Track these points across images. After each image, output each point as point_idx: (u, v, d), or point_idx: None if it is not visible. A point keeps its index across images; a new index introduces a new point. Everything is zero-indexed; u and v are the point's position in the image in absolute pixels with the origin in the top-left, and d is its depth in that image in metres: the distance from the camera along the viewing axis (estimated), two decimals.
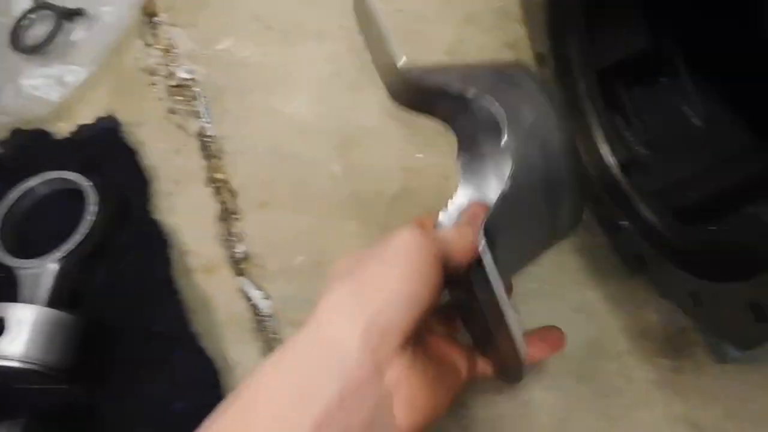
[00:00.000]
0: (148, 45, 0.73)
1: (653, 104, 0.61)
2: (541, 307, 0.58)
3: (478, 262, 0.38)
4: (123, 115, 0.69)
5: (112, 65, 0.72)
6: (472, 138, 0.45)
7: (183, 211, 0.65)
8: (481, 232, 0.37)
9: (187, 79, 0.71)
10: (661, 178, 0.58)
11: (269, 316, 0.62)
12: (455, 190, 0.45)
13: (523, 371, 0.38)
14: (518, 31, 0.67)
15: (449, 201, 0.44)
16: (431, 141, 0.66)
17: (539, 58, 0.58)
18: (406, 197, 0.64)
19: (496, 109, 0.40)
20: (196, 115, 0.70)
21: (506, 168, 0.40)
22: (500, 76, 0.43)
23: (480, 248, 0.36)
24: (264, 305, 0.62)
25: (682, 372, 0.57)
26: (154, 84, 0.71)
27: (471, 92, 0.41)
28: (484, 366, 0.47)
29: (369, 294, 0.38)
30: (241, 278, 0.63)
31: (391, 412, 0.37)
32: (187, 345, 0.59)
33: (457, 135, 0.45)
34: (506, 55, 0.68)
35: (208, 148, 0.68)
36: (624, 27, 0.57)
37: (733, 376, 0.56)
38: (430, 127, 0.67)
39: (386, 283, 0.38)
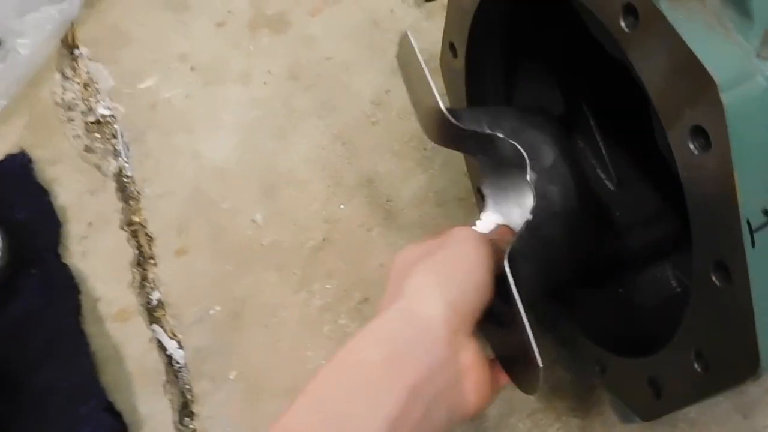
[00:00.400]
0: (66, 78, 0.70)
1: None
2: None
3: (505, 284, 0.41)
4: (36, 152, 0.66)
5: (27, 98, 0.69)
6: (497, 171, 0.51)
7: (96, 255, 0.63)
8: (506, 255, 0.40)
9: (106, 116, 0.69)
10: None
11: (183, 367, 0.60)
12: (480, 216, 0.51)
13: (540, 379, 0.40)
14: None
15: (476, 222, 0.50)
16: (355, 192, 0.66)
17: None
18: (327, 248, 0.64)
19: (519, 150, 0.44)
20: (115, 154, 0.68)
21: (528, 201, 0.45)
22: (523, 118, 0.48)
23: (506, 269, 0.39)
24: (178, 356, 0.61)
25: (590, 430, 0.59)
26: (71, 120, 0.69)
27: (500, 134, 0.45)
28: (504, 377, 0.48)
29: (449, 279, 0.40)
30: (154, 327, 0.61)
31: (463, 393, 0.40)
32: (94, 398, 0.57)
33: (482, 168, 0.51)
34: None
35: (126, 190, 0.66)
36: (541, 92, 0.59)
37: None
38: (354, 178, 0.67)
39: (462, 271, 0.41)
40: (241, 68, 0.71)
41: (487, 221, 0.50)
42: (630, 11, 0.32)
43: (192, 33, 0.72)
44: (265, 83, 0.70)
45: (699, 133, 0.30)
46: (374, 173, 0.67)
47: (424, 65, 0.43)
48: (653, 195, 0.60)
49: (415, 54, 0.44)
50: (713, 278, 0.33)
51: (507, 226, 0.50)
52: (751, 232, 0.30)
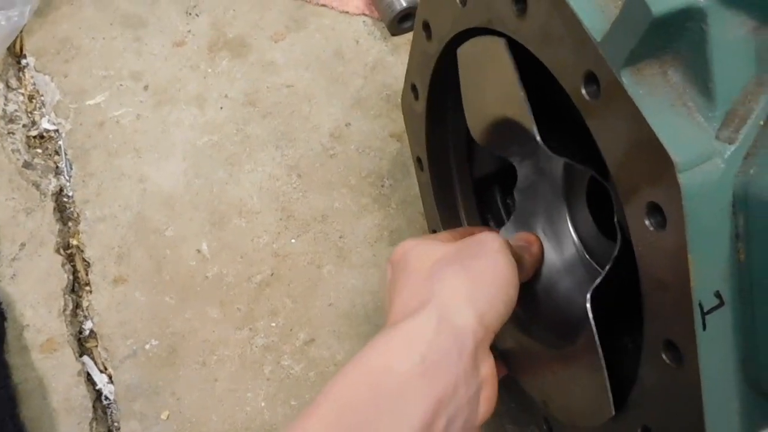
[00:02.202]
0: (10, 89, 0.67)
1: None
2: None
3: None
4: None
5: None
6: (531, 179, 0.52)
7: (26, 279, 0.60)
8: (589, 295, 0.39)
9: (50, 131, 0.66)
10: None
11: (112, 404, 0.57)
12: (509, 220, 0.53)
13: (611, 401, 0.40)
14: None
15: (501, 230, 0.51)
16: (307, 227, 0.64)
17: (418, 161, 0.58)
18: (275, 284, 0.61)
19: (606, 188, 0.42)
20: (56, 172, 0.64)
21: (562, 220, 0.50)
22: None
23: (588, 309, 0.39)
24: (108, 391, 0.57)
25: None
26: (11, 133, 0.65)
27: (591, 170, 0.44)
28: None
29: (482, 291, 0.40)
30: (84, 359, 0.58)
31: (478, 405, 0.40)
32: None
33: (519, 173, 0.52)
34: (391, 147, 0.68)
35: (66, 211, 0.63)
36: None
37: None
38: (307, 212, 0.65)
39: (494, 285, 0.40)
40: (197, 91, 0.68)
41: (512, 226, 0.52)
42: (592, 80, 0.31)
43: (148, 51, 0.70)
44: (221, 108, 0.68)
45: (655, 210, 0.29)
46: (329, 208, 0.65)
47: (518, 78, 0.41)
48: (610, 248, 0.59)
49: (510, 62, 0.41)
50: (663, 357, 0.32)
51: (530, 233, 0.51)
52: (703, 314, 0.29)
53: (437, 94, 0.51)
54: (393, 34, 0.74)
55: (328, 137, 0.68)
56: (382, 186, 0.67)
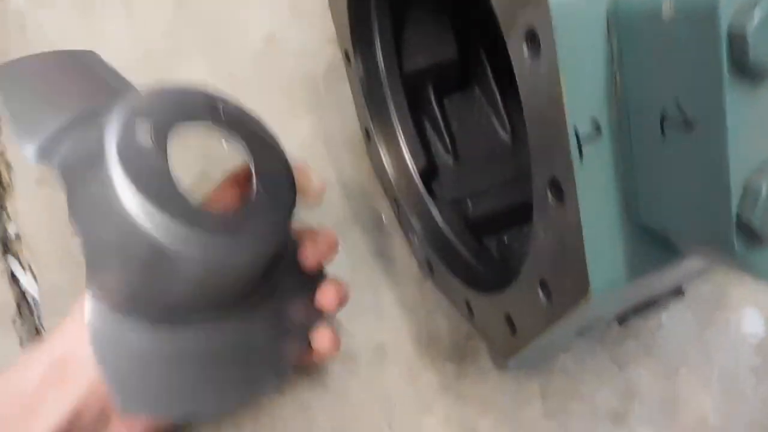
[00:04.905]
0: None
1: (464, 113, 0.61)
2: None
3: None
4: None
5: None
6: None
7: None
8: None
9: None
10: (459, 187, 0.59)
11: (37, 303, 0.56)
12: None
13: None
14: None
15: None
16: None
17: (346, 55, 0.56)
18: (201, 185, 0.60)
19: None
20: None
21: None
22: None
23: None
24: (32, 290, 0.56)
25: (465, 377, 0.58)
26: None
27: None
28: None
29: None
30: (9, 259, 0.57)
31: None
32: None
33: None
34: (327, 51, 0.67)
35: None
36: (431, 33, 0.57)
37: (512, 384, 0.58)
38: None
39: None
40: None
41: None
42: None
43: None
44: (152, 15, 0.66)
45: (532, 36, 0.29)
46: (260, 113, 0.64)
47: None
48: None
49: None
50: (548, 196, 0.32)
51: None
52: (579, 143, 0.29)
53: None
54: None
55: (260, 42, 0.67)
56: (317, 90, 0.66)
